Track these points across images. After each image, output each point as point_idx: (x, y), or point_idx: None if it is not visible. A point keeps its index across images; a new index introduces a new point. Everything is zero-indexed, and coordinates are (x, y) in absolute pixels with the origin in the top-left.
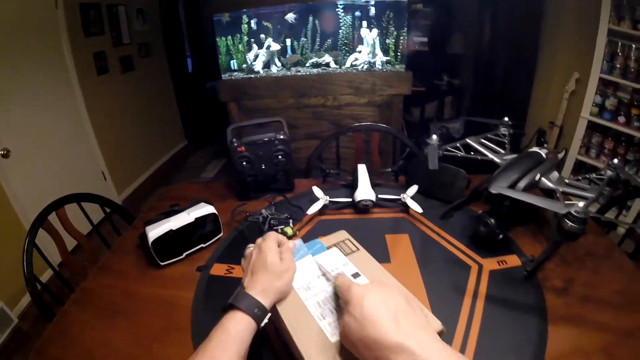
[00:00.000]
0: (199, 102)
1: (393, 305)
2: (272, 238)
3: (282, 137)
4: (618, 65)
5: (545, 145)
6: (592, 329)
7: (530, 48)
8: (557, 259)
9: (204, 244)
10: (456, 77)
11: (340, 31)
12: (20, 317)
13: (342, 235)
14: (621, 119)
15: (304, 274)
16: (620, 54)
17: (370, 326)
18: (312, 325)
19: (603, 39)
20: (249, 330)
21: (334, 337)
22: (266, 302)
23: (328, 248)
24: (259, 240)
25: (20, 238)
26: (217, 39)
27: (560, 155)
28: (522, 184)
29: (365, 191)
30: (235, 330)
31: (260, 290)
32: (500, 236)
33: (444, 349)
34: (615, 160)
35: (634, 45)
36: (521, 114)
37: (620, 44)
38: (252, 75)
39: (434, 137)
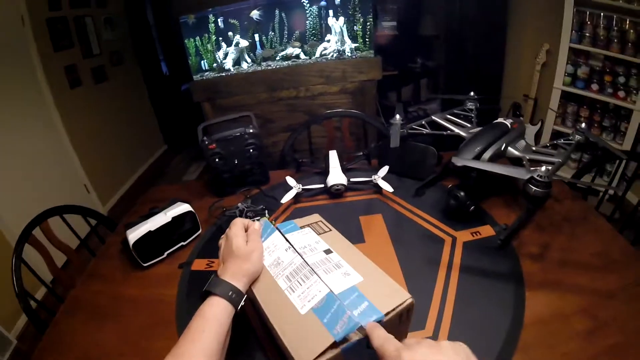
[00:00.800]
0: (176, 105)
1: None
2: (237, 224)
3: (251, 130)
4: (587, 34)
5: (521, 118)
6: (572, 292)
7: (500, 23)
8: (532, 226)
9: (184, 241)
10: (430, 59)
11: (307, 22)
12: (18, 338)
13: (315, 217)
14: (594, 86)
15: (273, 250)
16: (589, 22)
17: None
18: (283, 300)
19: (570, 8)
20: (225, 313)
21: (303, 309)
22: (239, 285)
23: (301, 228)
24: (227, 229)
25: (9, 259)
26: (185, 41)
27: (537, 127)
28: (487, 154)
29: (336, 176)
30: (212, 313)
31: (230, 274)
32: (472, 208)
33: None
34: (583, 125)
35: (602, 13)
36: (496, 89)
37: (588, 13)
38: (224, 74)
39: (397, 116)
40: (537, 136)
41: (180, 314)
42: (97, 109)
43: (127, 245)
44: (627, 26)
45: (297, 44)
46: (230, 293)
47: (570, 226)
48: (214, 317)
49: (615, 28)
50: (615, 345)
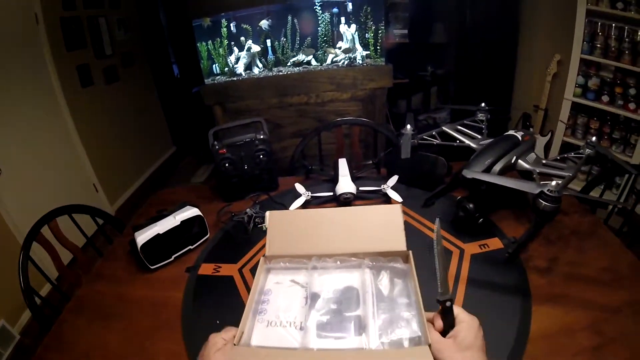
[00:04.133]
0: (187, 108)
1: None
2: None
3: (262, 137)
4: (599, 45)
5: (530, 129)
6: (578, 307)
7: (511, 32)
8: (540, 240)
9: (192, 245)
10: (440, 67)
11: (319, 29)
12: (21, 332)
13: None
14: (605, 98)
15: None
16: (600, 33)
17: None
18: None
19: (582, 19)
20: None
21: None
22: None
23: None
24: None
25: (17, 255)
26: (198, 44)
27: (546, 138)
28: (497, 167)
29: (345, 184)
30: None
31: None
32: (480, 220)
33: None
34: (594, 138)
35: (613, 24)
36: (506, 99)
37: (599, 23)
38: (235, 78)
39: (408, 127)
40: (547, 147)
41: (185, 318)
42: (107, 109)
43: (134, 246)
44: (638, 38)
45: (312, 50)
46: None
47: (579, 240)
48: None
49: (627, 39)
50: None
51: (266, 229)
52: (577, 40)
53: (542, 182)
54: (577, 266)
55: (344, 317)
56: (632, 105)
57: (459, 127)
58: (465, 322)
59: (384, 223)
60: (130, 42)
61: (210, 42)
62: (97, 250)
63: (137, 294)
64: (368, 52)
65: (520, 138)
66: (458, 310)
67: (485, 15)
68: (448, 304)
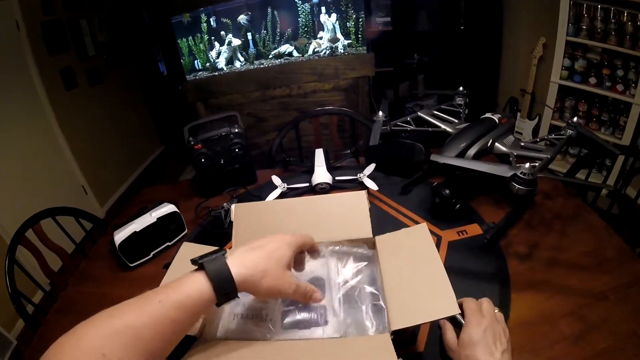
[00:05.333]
0: (174, 106)
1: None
2: (298, 240)
3: (237, 130)
4: (584, 27)
5: (518, 113)
6: (560, 293)
7: (495, 17)
8: (522, 225)
9: (169, 242)
10: (426, 55)
11: (299, 19)
12: (18, 338)
13: None
14: (592, 80)
15: None
16: (585, 15)
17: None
18: None
19: (567, 1)
20: (200, 300)
21: None
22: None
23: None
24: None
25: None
26: (178, 41)
27: (534, 122)
28: (472, 151)
29: (321, 175)
30: (185, 290)
31: (240, 262)
32: (458, 206)
33: None
34: (575, 119)
35: (599, 6)
36: (493, 84)
37: (585, 5)
38: (216, 73)
39: (380, 113)
40: (535, 131)
41: None
42: (93, 110)
43: (114, 245)
44: (624, 18)
45: (304, 40)
46: (223, 280)
47: (562, 224)
48: (186, 295)
49: (613, 20)
50: (606, 349)
51: None
52: (562, 23)
53: (516, 165)
54: (560, 251)
55: (309, 307)
56: (620, 87)
57: (436, 112)
58: (467, 320)
59: (349, 210)
60: (113, 42)
61: (190, 38)
62: (84, 253)
63: (118, 293)
64: (349, 41)
65: (497, 121)
66: (465, 307)
67: (469, 1)
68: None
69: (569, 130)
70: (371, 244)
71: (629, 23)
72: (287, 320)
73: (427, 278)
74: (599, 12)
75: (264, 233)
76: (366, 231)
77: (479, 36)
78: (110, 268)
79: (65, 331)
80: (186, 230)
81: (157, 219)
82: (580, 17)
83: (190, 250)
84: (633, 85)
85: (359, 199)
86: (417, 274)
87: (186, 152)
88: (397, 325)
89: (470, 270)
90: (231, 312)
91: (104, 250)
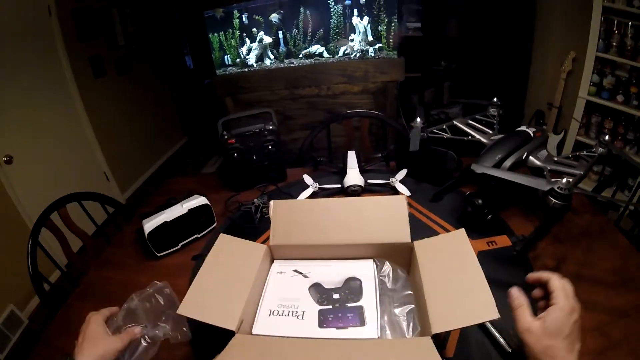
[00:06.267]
0: (199, 99)
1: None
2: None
3: (270, 127)
4: (614, 43)
5: (544, 126)
6: (585, 309)
7: (526, 28)
8: (549, 238)
9: (199, 234)
10: (454, 62)
11: (331, 21)
12: (30, 318)
13: None
14: (619, 97)
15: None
16: (616, 31)
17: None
18: None
19: (598, 16)
20: None
21: None
22: None
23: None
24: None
25: (26, 241)
26: (210, 35)
27: (560, 136)
28: (508, 162)
29: (354, 177)
30: None
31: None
32: (489, 216)
33: None
34: (607, 137)
35: (630, 23)
36: (519, 96)
37: (616, 21)
38: (246, 69)
39: (418, 120)
40: (560, 146)
41: None
42: (120, 99)
43: (142, 234)
44: None
45: (346, 41)
46: None
47: (588, 240)
48: None
49: None
50: None
51: None
52: (593, 38)
53: (552, 180)
54: (586, 267)
55: (346, 307)
56: None
57: (470, 122)
58: (559, 304)
59: (389, 214)
60: (142, 33)
61: (222, 33)
62: (107, 238)
63: (143, 281)
64: (380, 45)
65: (531, 134)
66: (556, 286)
67: (501, 11)
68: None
69: (600, 148)
70: (409, 249)
71: None
72: (324, 319)
73: (467, 283)
74: (629, 29)
75: (301, 231)
76: (404, 236)
77: (509, 46)
78: (135, 256)
79: (85, 314)
80: (216, 224)
81: (189, 210)
82: (611, 33)
83: (226, 242)
84: None
85: (399, 203)
86: (457, 278)
87: (210, 145)
88: (438, 329)
89: (499, 280)
90: (267, 308)
91: (129, 238)
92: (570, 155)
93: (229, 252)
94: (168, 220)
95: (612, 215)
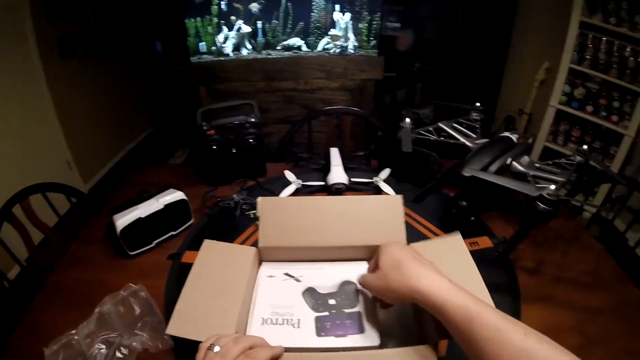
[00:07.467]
0: (168, 87)
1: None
2: (241, 345)
3: (253, 120)
4: (588, 57)
5: (514, 131)
6: (564, 308)
7: (503, 36)
8: (528, 241)
9: (174, 231)
10: (429, 64)
11: (312, 14)
12: None
13: None
14: (589, 108)
15: None
16: (590, 45)
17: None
18: None
19: (575, 30)
20: None
21: None
22: None
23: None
24: (228, 342)
25: None
26: (186, 20)
27: (529, 141)
28: (493, 167)
29: (338, 174)
30: None
31: None
32: (472, 218)
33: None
34: (585, 147)
35: (604, 38)
36: (492, 101)
37: (591, 36)
38: (222, 58)
39: (407, 120)
40: (528, 150)
41: (168, 308)
42: (86, 83)
43: (113, 230)
44: (627, 53)
45: (339, 36)
46: None
47: (564, 243)
48: None
49: (616, 54)
50: None
51: (254, 216)
52: (568, 50)
53: (538, 185)
54: (563, 269)
55: (343, 313)
56: (614, 117)
57: (454, 125)
58: (381, 249)
59: (384, 214)
60: (114, 15)
61: (199, 18)
62: (73, 233)
63: (116, 281)
64: (357, 43)
65: (515, 140)
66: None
67: (480, 16)
68: None
69: (577, 157)
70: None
71: (631, 58)
72: (321, 327)
73: (465, 286)
74: (603, 44)
75: (293, 231)
76: (400, 237)
77: (484, 52)
78: (105, 253)
79: (55, 318)
80: (192, 220)
81: (165, 205)
82: (586, 47)
83: (212, 248)
84: (627, 117)
85: (395, 203)
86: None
87: (178, 135)
88: (440, 336)
89: (483, 280)
90: (259, 317)
91: (98, 234)
92: (550, 162)
93: (215, 259)
94: (143, 215)
95: (580, 221)
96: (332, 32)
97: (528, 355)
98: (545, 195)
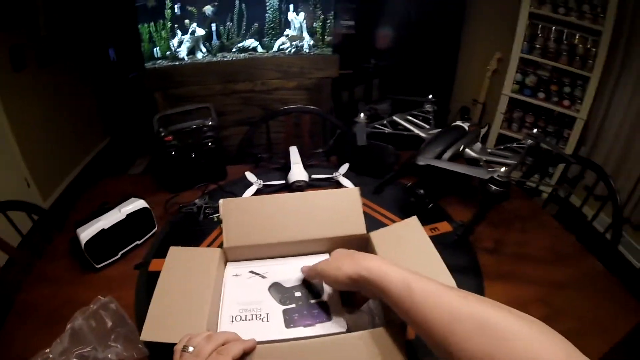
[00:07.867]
0: (122, 95)
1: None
2: (214, 342)
3: (210, 123)
4: (538, 46)
5: (470, 121)
6: (527, 282)
7: (455, 30)
8: (486, 223)
9: (139, 240)
10: (384, 60)
11: (266, 15)
12: None
13: None
14: (541, 94)
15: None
16: (540, 35)
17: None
18: None
19: (524, 21)
20: None
21: None
22: None
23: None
24: (201, 342)
25: None
26: (139, 26)
27: (484, 130)
28: (447, 155)
29: (298, 172)
30: None
31: None
32: (430, 205)
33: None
34: (535, 130)
35: (553, 27)
36: (446, 92)
37: (540, 26)
38: (177, 63)
39: (362, 115)
40: (484, 138)
41: (139, 317)
42: (39, 95)
43: (77, 244)
44: (576, 40)
45: (297, 37)
46: None
47: (521, 223)
48: None
49: (565, 42)
50: (571, 329)
51: (218, 219)
52: (518, 40)
53: (490, 169)
54: (522, 246)
55: (309, 304)
56: (566, 102)
57: (409, 117)
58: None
59: (342, 207)
60: (66, 23)
61: (152, 23)
62: (36, 251)
63: (86, 295)
64: (315, 41)
65: (466, 128)
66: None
67: (431, 12)
68: None
69: (529, 140)
70: (365, 241)
71: (580, 45)
72: (290, 318)
73: (426, 267)
74: (552, 33)
75: (256, 230)
76: (360, 228)
77: (437, 47)
78: (71, 269)
79: (28, 337)
80: (156, 228)
81: (127, 215)
82: (536, 36)
83: (178, 254)
84: (579, 101)
85: (352, 196)
86: (416, 263)
87: (136, 144)
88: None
89: (445, 263)
90: (228, 315)
91: (63, 249)
92: (502, 147)
93: (182, 263)
94: (105, 227)
95: (538, 201)
96: (288, 32)
97: (470, 313)
98: (497, 177)
